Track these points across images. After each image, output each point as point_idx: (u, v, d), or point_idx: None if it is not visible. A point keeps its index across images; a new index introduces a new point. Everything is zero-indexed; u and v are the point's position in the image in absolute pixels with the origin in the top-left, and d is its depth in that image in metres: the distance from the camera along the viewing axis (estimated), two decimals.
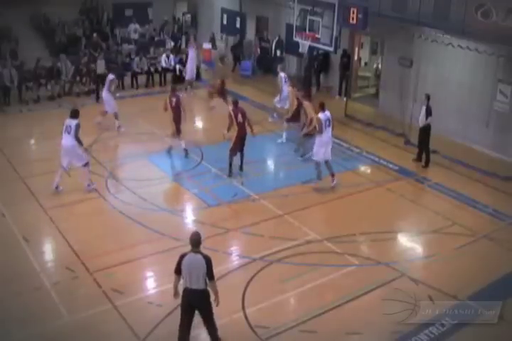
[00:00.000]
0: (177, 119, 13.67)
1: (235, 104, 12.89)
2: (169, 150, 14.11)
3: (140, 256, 9.78)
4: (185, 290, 7.25)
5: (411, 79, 16.23)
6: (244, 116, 12.75)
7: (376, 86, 19.62)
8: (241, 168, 13.11)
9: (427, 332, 8.13)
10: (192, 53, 19.06)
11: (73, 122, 11.48)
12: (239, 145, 12.87)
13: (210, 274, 7.13)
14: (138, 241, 10.25)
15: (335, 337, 8.05)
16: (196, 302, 7.28)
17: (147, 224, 10.66)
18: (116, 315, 8.24)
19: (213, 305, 7.32)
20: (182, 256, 7.16)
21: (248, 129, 12.83)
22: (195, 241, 7.12)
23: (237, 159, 13.03)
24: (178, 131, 13.79)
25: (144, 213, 11.16)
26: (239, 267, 9.48)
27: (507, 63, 13.97)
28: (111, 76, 15.64)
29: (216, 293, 7.28)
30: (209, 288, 7.23)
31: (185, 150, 13.98)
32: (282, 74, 16.50)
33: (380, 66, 19.40)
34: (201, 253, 7.12)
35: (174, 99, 13.64)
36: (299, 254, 9.92)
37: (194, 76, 19.43)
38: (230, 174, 12.92)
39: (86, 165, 11.87)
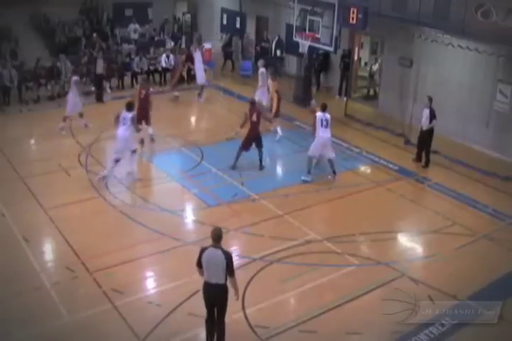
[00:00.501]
0: (143, 110, 14.17)
1: (252, 103, 13.27)
2: (142, 142, 14.27)
3: (140, 256, 9.77)
4: (205, 284, 7.29)
5: (411, 79, 16.23)
6: (258, 116, 13.05)
7: (370, 87, 19.49)
8: (260, 166, 13.27)
9: (427, 332, 8.12)
10: (199, 56, 18.89)
11: (129, 115, 12.30)
12: (249, 143, 13.16)
13: (230, 270, 7.13)
14: (138, 241, 10.24)
15: (335, 337, 8.05)
16: (214, 297, 7.30)
17: (147, 224, 10.66)
18: (116, 315, 8.23)
19: (231, 299, 7.36)
20: (202, 250, 7.18)
21: (267, 122, 13.38)
22: (217, 236, 7.13)
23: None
24: (147, 121, 14.39)
25: (144, 213, 11.15)
26: (239, 267, 9.39)
27: (507, 63, 13.97)
28: (74, 77, 15.50)
29: (236, 289, 7.32)
30: (228, 284, 7.25)
31: (152, 135, 14.50)
32: (263, 69, 16.47)
33: (373, 67, 19.34)
34: (221, 249, 7.12)
35: (144, 92, 14.45)
36: (299, 254, 9.92)
37: (204, 79, 18.75)
38: (234, 167, 13.13)
39: (134, 151, 12.62)
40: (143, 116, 14.15)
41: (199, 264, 7.24)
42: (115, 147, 12.45)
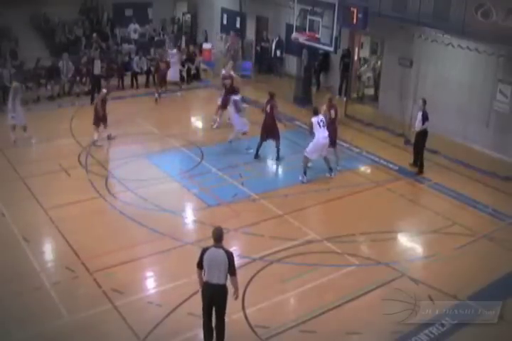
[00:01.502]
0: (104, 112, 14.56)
1: (271, 95, 13.80)
2: (109, 138, 14.75)
3: (140, 256, 9.77)
4: (206, 284, 7.27)
5: (411, 79, 16.23)
6: (272, 109, 13.57)
7: (359, 89, 19.28)
8: (277, 157, 13.93)
9: (427, 332, 8.12)
10: (174, 59, 18.98)
11: (233, 97, 14.22)
12: (263, 133, 13.74)
13: (231, 269, 7.15)
14: (138, 241, 10.25)
15: (335, 337, 8.05)
16: (215, 297, 7.30)
17: (147, 224, 10.66)
18: (116, 315, 8.23)
19: (231, 299, 7.38)
20: (204, 251, 7.17)
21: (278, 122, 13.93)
22: (218, 235, 7.14)
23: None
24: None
25: (144, 213, 11.15)
26: (239, 267, 9.32)
27: (507, 63, 13.97)
28: (15, 84, 14.54)
29: (237, 288, 7.33)
30: (229, 283, 7.25)
31: (95, 141, 14.46)
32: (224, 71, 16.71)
33: (362, 68, 19.18)
34: (223, 248, 7.13)
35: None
36: (299, 254, 9.92)
37: (177, 77, 19.29)
38: (255, 156, 13.85)
39: (244, 133, 14.40)
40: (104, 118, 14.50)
41: (200, 265, 7.23)
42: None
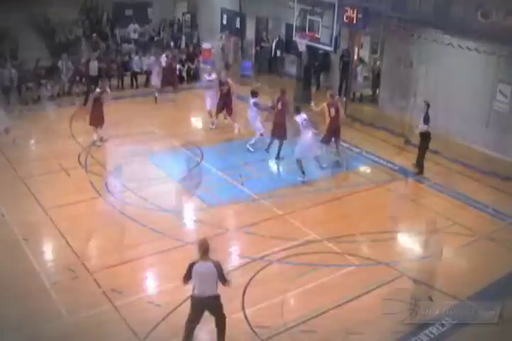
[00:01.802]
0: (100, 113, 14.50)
1: (282, 92, 13.87)
2: (101, 140, 14.65)
3: (140, 256, 9.77)
4: (197, 299, 7.19)
5: (411, 79, 16.22)
6: (283, 105, 13.56)
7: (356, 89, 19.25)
8: (277, 157, 13.79)
9: (427, 332, 8.13)
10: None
11: (252, 100, 14.19)
12: (273, 131, 13.75)
13: (222, 279, 7.15)
14: (138, 241, 10.24)
15: (335, 337, 8.05)
16: (208, 308, 7.29)
17: (147, 224, 10.65)
18: (116, 316, 8.23)
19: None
20: (191, 265, 7.11)
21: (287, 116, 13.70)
22: (205, 248, 7.09)
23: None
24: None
25: (144, 213, 11.14)
26: (239, 267, 9.47)
27: (507, 63, 13.96)
28: None
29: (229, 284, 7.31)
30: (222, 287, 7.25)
31: (95, 141, 14.48)
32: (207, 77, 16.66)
33: (357, 68, 19.08)
34: (211, 261, 7.09)
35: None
36: (299, 254, 9.92)
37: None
38: (267, 150, 14.00)
39: (261, 135, 14.28)
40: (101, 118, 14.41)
41: (186, 279, 7.17)
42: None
